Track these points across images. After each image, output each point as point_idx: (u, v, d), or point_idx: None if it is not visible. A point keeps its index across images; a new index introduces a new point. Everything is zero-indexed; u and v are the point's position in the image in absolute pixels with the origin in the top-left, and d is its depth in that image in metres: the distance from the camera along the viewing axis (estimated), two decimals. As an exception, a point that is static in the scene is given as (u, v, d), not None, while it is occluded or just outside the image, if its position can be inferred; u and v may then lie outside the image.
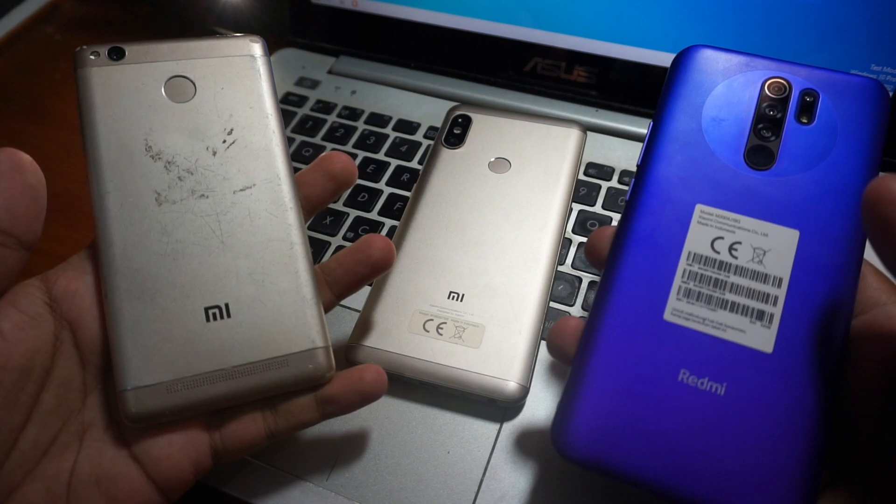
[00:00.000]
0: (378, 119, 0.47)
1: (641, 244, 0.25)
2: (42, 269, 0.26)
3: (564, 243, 0.38)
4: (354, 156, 0.45)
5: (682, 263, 0.24)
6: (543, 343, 0.34)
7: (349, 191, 0.42)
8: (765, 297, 0.23)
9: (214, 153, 0.27)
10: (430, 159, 0.40)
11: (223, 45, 0.29)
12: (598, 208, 0.41)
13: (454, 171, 0.39)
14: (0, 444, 0.23)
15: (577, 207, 0.40)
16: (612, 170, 0.43)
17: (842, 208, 0.24)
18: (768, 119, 0.26)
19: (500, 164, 0.39)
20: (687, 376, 0.23)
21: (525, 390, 0.31)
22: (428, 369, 0.31)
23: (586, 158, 0.43)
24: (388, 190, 0.42)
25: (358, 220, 0.41)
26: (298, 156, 0.45)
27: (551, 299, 0.36)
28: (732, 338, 0.23)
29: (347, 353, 0.33)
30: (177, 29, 0.61)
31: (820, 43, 0.40)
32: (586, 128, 0.41)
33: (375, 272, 0.29)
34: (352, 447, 0.31)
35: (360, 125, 0.47)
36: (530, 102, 0.48)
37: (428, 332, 0.32)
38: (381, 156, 0.45)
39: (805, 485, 0.21)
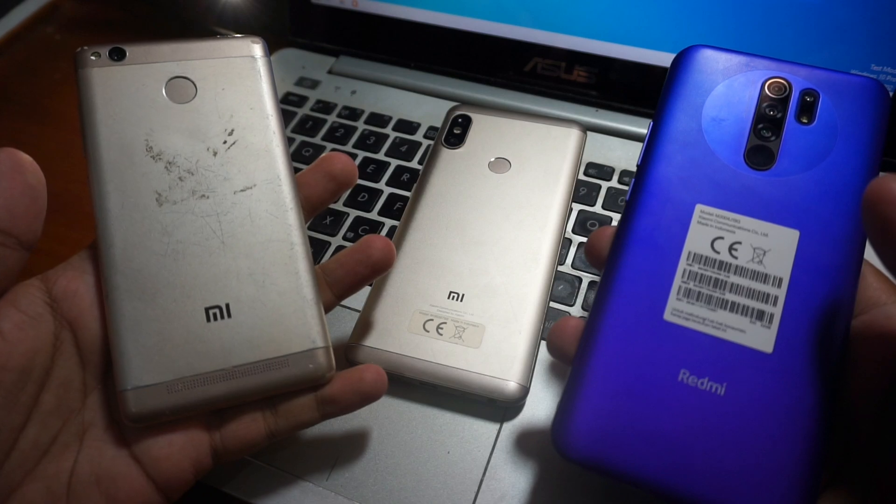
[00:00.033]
0: (378, 119, 0.47)
1: (641, 244, 0.25)
2: (42, 269, 0.26)
3: (564, 243, 0.38)
4: (354, 156, 0.45)
5: (682, 263, 0.24)
6: (543, 343, 0.34)
7: (349, 191, 0.42)
8: (765, 297, 0.24)
9: (215, 154, 0.27)
10: (430, 159, 0.40)
11: (224, 46, 0.29)
12: (598, 208, 0.41)
13: (454, 171, 0.39)
14: (0, 444, 0.23)
15: (577, 207, 0.40)
16: (612, 170, 0.43)
17: (842, 208, 0.24)
18: (768, 119, 0.26)
19: (500, 164, 0.39)
20: (687, 376, 0.23)
21: (525, 390, 0.31)
22: (428, 369, 0.31)
23: (586, 158, 0.43)
24: (388, 190, 0.42)
25: (358, 220, 0.41)
26: (298, 156, 0.45)
27: (551, 299, 0.36)
28: (732, 338, 0.23)
29: (347, 353, 0.33)
30: (177, 29, 0.61)
31: (820, 43, 0.40)
32: (586, 128, 0.41)
33: (376, 272, 0.29)
34: (352, 447, 0.31)
35: (360, 125, 0.47)
36: (530, 102, 0.48)
37: (428, 332, 0.32)
38: (381, 156, 0.45)
39: (805, 485, 0.21)
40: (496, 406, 0.32)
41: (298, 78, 0.51)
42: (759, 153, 0.26)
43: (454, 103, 0.46)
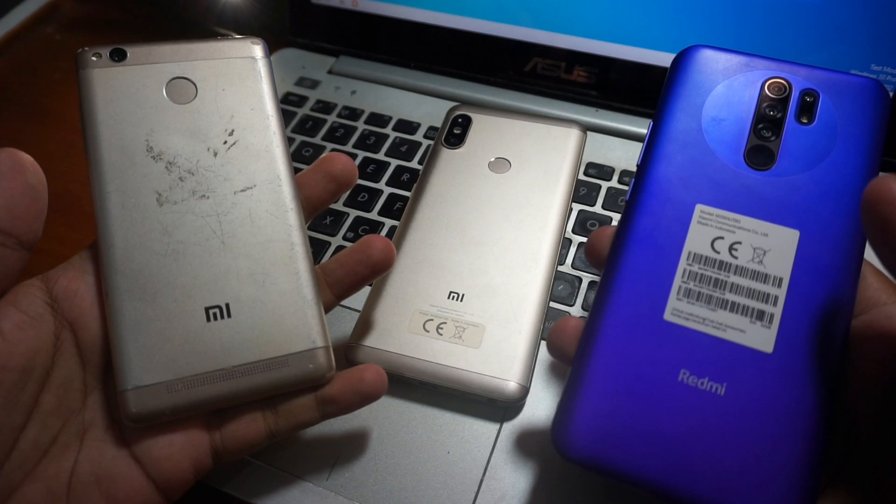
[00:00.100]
0: (378, 119, 0.47)
1: (641, 244, 0.25)
2: (42, 269, 0.26)
3: (564, 243, 0.38)
4: (354, 156, 0.45)
5: (682, 263, 0.24)
6: (543, 343, 0.34)
7: (349, 191, 0.42)
8: (765, 297, 0.24)
9: (215, 154, 0.27)
10: (430, 159, 0.40)
11: (224, 47, 0.29)
12: (598, 208, 0.41)
13: (454, 171, 0.39)
14: (0, 444, 0.23)
15: (577, 207, 0.40)
16: (612, 170, 0.43)
17: (842, 208, 0.24)
18: (768, 119, 0.26)
19: (500, 164, 0.39)
20: (687, 376, 0.23)
21: (525, 390, 0.31)
22: (428, 369, 0.31)
23: (586, 158, 0.43)
24: (388, 190, 0.42)
25: (358, 220, 0.41)
26: (298, 156, 0.45)
27: (551, 299, 0.36)
28: (732, 338, 0.23)
29: (347, 353, 0.33)
30: (177, 29, 0.61)
31: (820, 43, 0.40)
32: (586, 128, 0.41)
33: (376, 273, 0.29)
34: (352, 447, 0.31)
35: (360, 125, 0.47)
36: (530, 102, 0.48)
37: (428, 332, 0.32)
38: (381, 156, 0.45)
39: (805, 485, 0.21)
40: (496, 406, 0.32)
41: (298, 78, 0.51)
42: (759, 153, 0.26)
43: (454, 103, 0.46)
